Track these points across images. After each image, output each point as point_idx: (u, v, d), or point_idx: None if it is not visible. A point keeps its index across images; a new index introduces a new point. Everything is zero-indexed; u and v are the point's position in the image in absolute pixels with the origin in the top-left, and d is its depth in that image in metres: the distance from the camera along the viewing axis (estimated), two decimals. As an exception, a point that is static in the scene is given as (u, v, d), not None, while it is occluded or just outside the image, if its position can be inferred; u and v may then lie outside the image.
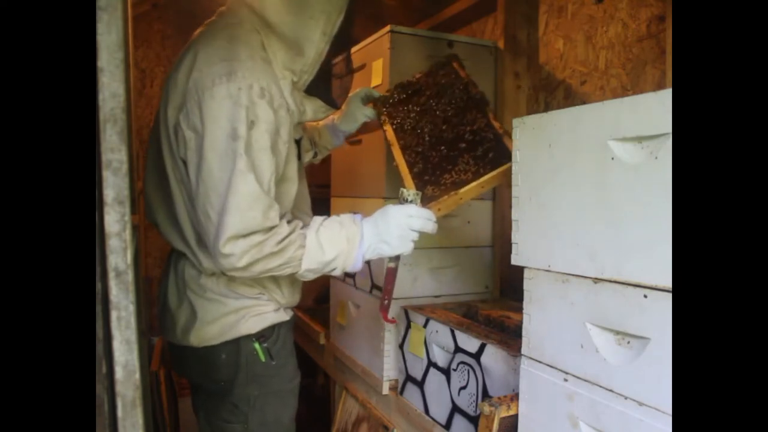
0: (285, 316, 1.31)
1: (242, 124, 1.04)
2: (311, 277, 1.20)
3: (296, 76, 1.20)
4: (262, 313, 1.25)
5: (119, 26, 0.70)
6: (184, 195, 1.17)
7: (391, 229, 1.18)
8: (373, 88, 1.62)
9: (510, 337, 1.29)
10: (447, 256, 1.76)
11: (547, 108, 2.20)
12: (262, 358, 1.25)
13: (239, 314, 1.23)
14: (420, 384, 1.51)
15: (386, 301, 1.30)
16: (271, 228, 1.08)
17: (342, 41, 1.22)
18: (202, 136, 1.05)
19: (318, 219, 1.20)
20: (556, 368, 0.96)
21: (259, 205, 1.06)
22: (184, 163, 1.11)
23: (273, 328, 1.28)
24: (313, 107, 1.27)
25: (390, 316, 1.35)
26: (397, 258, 1.26)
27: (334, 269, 1.19)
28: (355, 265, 1.20)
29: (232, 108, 1.04)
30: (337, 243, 1.16)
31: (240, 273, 1.09)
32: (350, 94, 1.52)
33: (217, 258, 1.07)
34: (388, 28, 1.68)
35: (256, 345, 1.24)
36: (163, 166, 1.18)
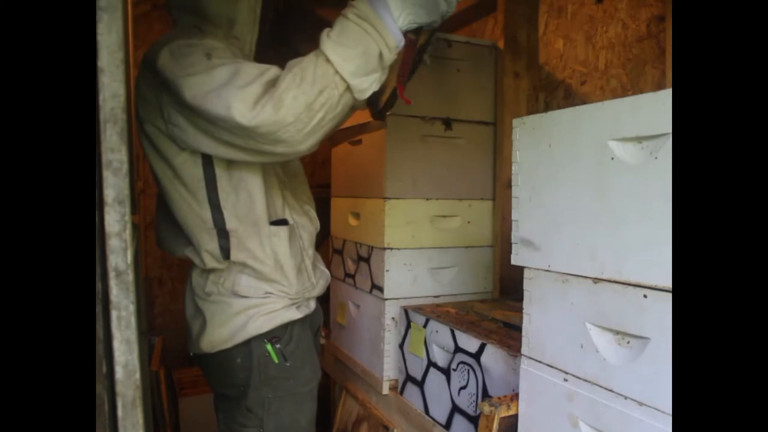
0: (297, 314, 1.26)
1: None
2: (366, 85, 1.02)
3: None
4: (270, 311, 1.21)
5: (119, 26, 0.70)
6: (179, 187, 1.15)
7: None
8: None
9: (510, 337, 1.29)
10: (447, 256, 1.76)
11: (547, 108, 2.20)
12: (275, 359, 1.21)
13: (247, 314, 1.20)
14: (420, 384, 1.51)
15: (402, 80, 1.14)
16: (275, 74, 1.00)
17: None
18: (171, 80, 1.02)
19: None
20: (556, 368, 0.96)
21: (251, 69, 0.99)
22: (166, 160, 1.11)
23: (285, 328, 1.24)
24: None
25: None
26: (419, 29, 1.07)
27: (379, 54, 1.00)
28: (394, 36, 1.00)
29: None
30: (354, 30, 0.99)
31: (284, 118, 0.95)
32: None
33: (251, 133, 0.97)
34: (388, 28, 1.68)
35: (268, 346, 1.21)
36: (159, 184, 1.19)
